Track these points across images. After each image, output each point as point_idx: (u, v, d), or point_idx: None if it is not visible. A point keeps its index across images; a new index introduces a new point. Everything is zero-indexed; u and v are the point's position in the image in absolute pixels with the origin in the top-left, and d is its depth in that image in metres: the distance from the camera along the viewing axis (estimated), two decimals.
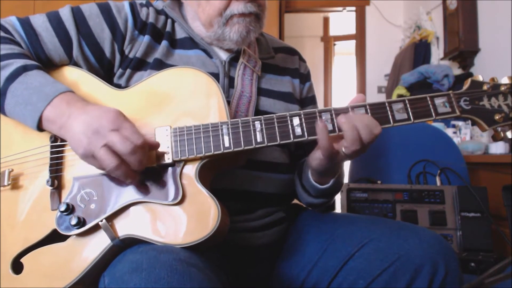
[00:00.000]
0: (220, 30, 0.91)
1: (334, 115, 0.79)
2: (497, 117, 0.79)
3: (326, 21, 5.85)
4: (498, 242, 1.41)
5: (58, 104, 0.75)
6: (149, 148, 0.75)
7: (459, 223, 1.40)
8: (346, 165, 1.76)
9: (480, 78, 0.82)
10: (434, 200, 1.44)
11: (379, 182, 1.55)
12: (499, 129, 0.80)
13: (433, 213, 1.42)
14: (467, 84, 0.82)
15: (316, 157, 0.83)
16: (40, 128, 0.78)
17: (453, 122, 2.32)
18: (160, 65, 0.90)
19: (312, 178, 0.91)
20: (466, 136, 2.25)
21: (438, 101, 0.79)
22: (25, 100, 0.77)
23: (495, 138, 0.81)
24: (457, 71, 2.91)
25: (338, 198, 1.41)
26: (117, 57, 0.91)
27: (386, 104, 0.79)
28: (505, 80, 0.81)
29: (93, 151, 0.71)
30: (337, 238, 0.89)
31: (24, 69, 0.78)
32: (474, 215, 1.40)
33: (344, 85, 5.65)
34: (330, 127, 0.79)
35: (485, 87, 0.81)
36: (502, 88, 0.80)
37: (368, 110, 0.79)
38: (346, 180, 1.74)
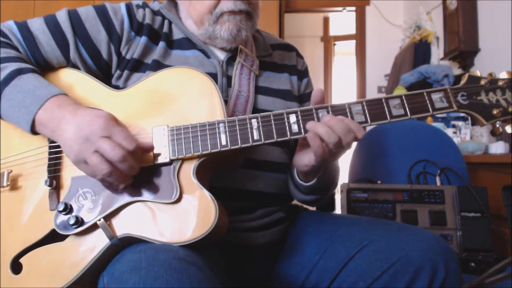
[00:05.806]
0: (211, 28, 0.92)
1: (331, 112, 0.79)
2: (495, 111, 0.78)
3: (326, 21, 5.85)
4: (498, 242, 1.41)
5: (50, 107, 0.75)
6: (143, 151, 0.75)
7: (459, 223, 1.40)
8: (346, 165, 1.76)
9: (478, 73, 0.81)
10: (434, 200, 1.43)
11: (379, 182, 1.55)
12: (498, 124, 0.79)
13: (433, 213, 1.41)
14: (464, 79, 0.81)
15: (305, 162, 0.84)
16: (34, 131, 0.78)
17: (453, 122, 2.32)
18: (158, 66, 0.91)
19: (298, 177, 0.92)
20: (466, 136, 2.25)
21: (435, 96, 0.79)
22: (19, 103, 0.77)
23: (494, 133, 0.80)
24: (457, 71, 2.90)
25: (338, 198, 1.42)
26: (114, 58, 0.91)
27: (383, 100, 0.79)
28: (503, 75, 0.80)
29: (85, 158, 0.71)
30: (337, 239, 0.89)
31: (18, 72, 0.78)
32: (474, 215, 1.40)
33: (344, 85, 5.64)
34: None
35: (482, 82, 0.80)
36: (500, 83, 0.79)
37: (365, 106, 0.79)
38: (346, 180, 1.73)
